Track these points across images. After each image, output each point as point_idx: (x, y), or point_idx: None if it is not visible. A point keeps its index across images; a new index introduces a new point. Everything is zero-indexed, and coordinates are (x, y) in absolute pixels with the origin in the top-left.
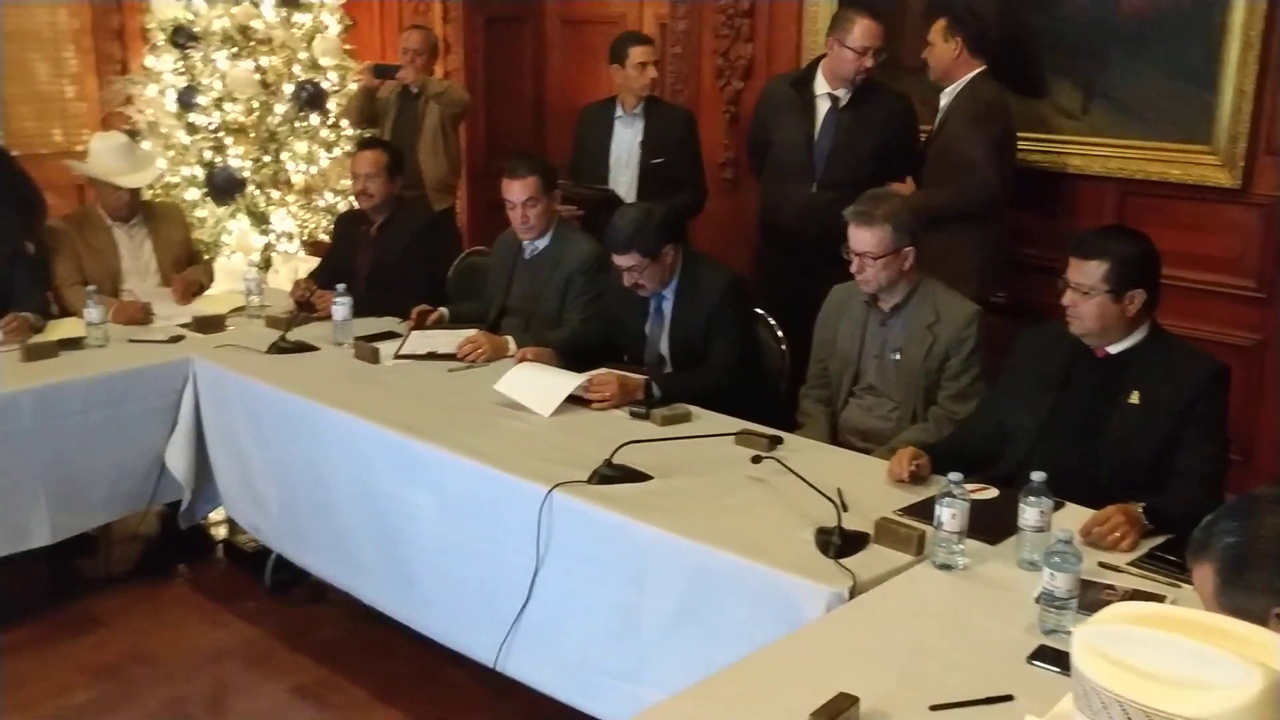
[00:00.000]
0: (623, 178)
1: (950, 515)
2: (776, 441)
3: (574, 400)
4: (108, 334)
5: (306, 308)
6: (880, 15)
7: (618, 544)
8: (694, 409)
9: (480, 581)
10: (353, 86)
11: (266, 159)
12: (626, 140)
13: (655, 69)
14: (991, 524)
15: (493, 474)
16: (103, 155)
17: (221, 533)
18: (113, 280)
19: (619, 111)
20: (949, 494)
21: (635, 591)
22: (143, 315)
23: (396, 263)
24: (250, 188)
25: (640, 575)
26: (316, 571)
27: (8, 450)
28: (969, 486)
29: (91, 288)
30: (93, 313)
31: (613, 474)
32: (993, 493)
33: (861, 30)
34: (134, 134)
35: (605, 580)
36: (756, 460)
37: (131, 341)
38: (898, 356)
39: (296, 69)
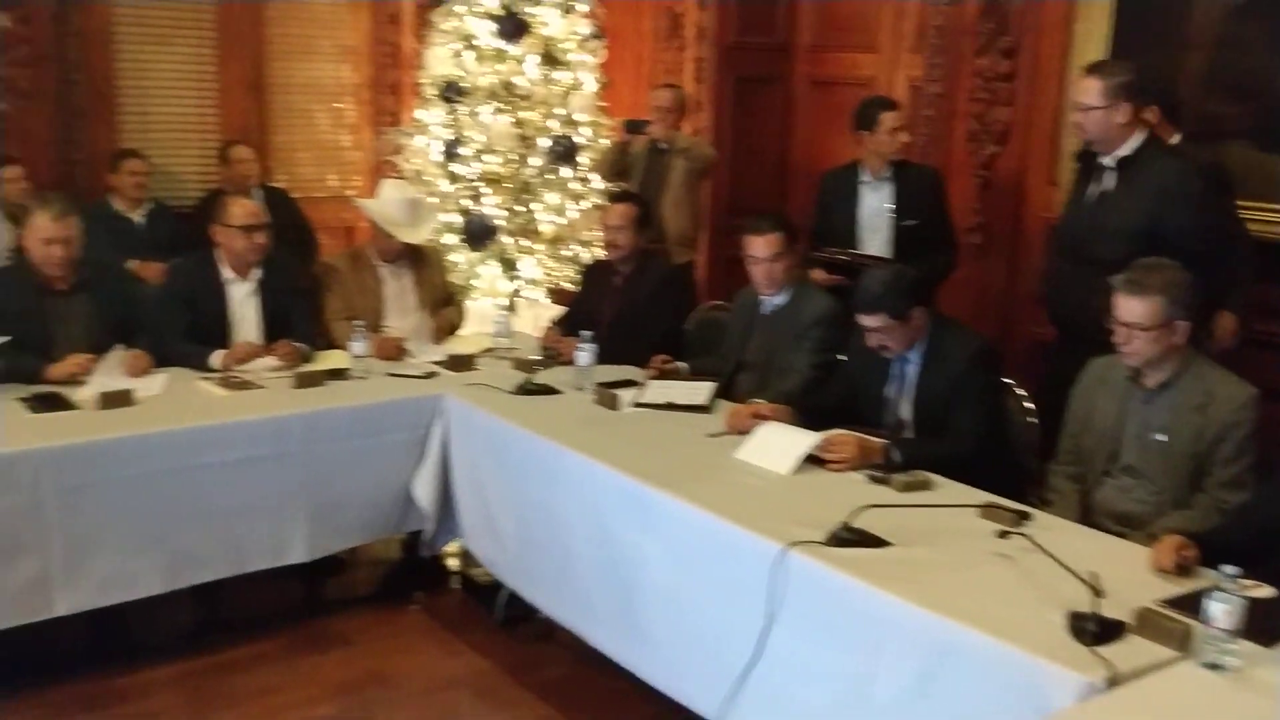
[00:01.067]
0: (874, 241)
1: (1223, 611)
2: (1024, 517)
3: (810, 460)
4: (369, 367)
5: (551, 352)
6: None
7: (853, 610)
8: (935, 477)
9: (708, 634)
10: (604, 142)
11: (519, 209)
12: (874, 204)
13: (906, 133)
14: (1267, 625)
15: (726, 527)
16: (389, 204)
17: (456, 564)
18: (376, 317)
19: (864, 176)
20: (1222, 588)
21: (869, 660)
22: (399, 352)
23: (640, 313)
24: (502, 235)
25: (876, 644)
26: (546, 610)
27: (277, 469)
28: (1243, 582)
29: (359, 323)
30: (358, 346)
31: (850, 537)
32: (1269, 591)
33: None
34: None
35: (838, 645)
36: (1003, 535)
37: (390, 375)
38: (1163, 438)
39: (553, 124)
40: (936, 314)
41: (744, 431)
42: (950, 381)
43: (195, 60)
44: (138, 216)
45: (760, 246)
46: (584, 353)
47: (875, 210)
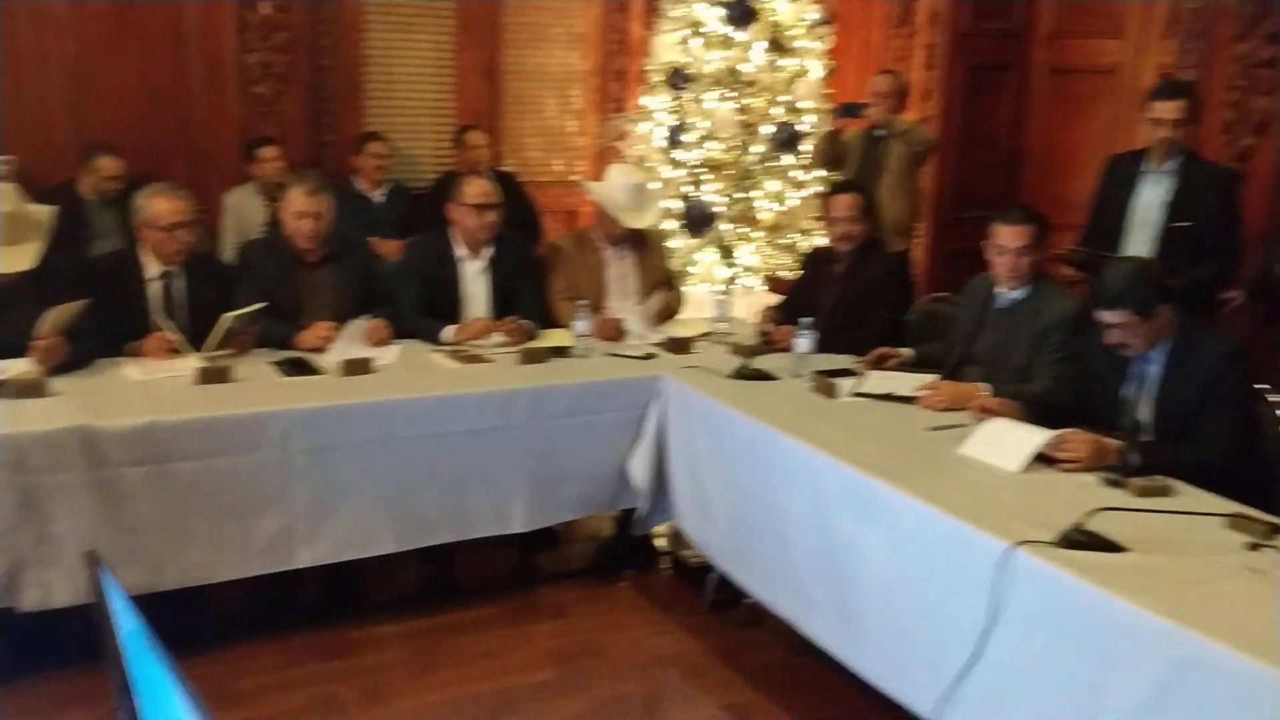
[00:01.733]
0: (1140, 238)
1: None
2: (1277, 530)
3: (1039, 458)
4: (591, 346)
5: (768, 338)
6: None
7: (1085, 615)
8: (1176, 483)
9: (925, 630)
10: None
11: (739, 196)
12: (1150, 197)
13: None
14: None
15: (949, 522)
16: (616, 188)
17: (666, 544)
18: (598, 298)
19: (1147, 165)
20: None
21: (1100, 669)
22: (619, 333)
23: (861, 302)
24: (721, 222)
25: (1109, 653)
26: (757, 595)
27: (502, 441)
28: None
29: (583, 303)
30: (581, 325)
31: (1083, 540)
32: None
33: None
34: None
35: (1065, 651)
36: (1253, 548)
37: (610, 355)
38: None
39: (776, 111)
40: (1185, 313)
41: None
42: (1197, 384)
43: (435, 48)
44: (377, 196)
45: (1009, 236)
46: (803, 340)
47: (1149, 204)
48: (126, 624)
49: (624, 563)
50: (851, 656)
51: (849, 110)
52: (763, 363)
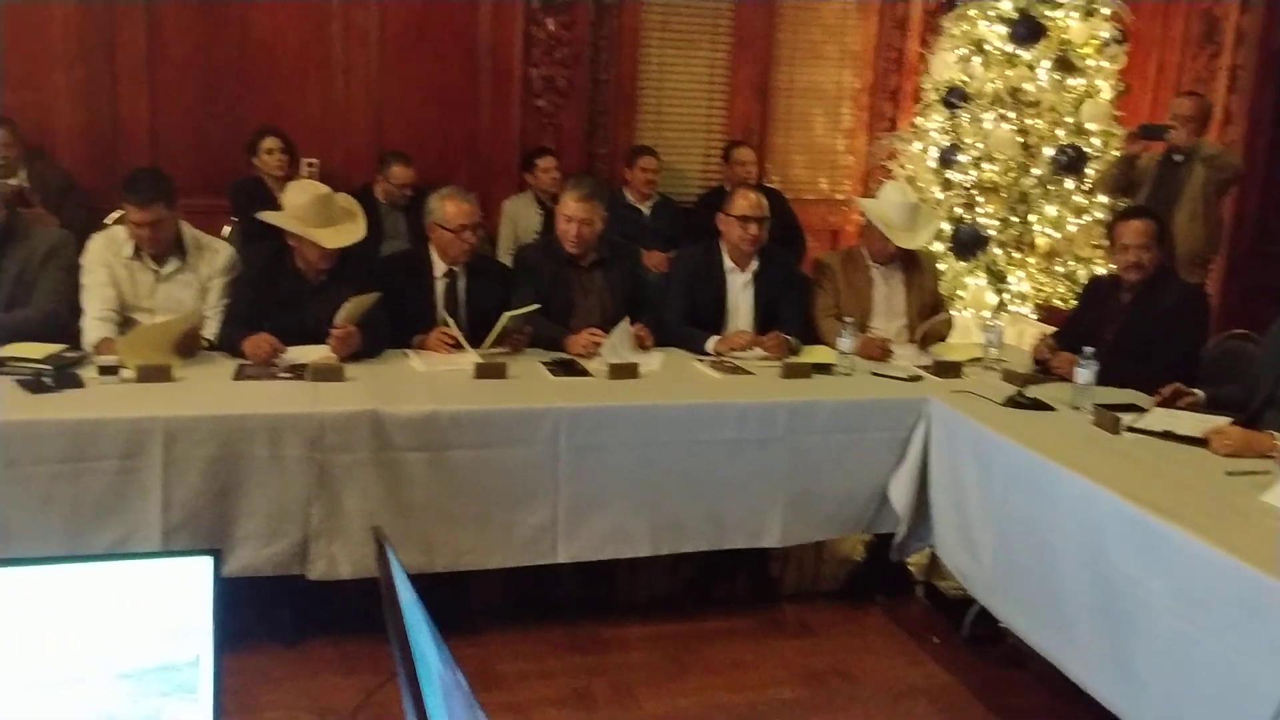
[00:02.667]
0: None
1: None
2: None
3: None
4: (854, 364)
5: (1043, 367)
6: None
7: None
8: None
9: (1217, 690)
10: (1115, 154)
11: (1014, 219)
12: None
13: None
14: None
15: (1251, 574)
16: (889, 206)
17: (922, 572)
18: (863, 316)
19: None
20: None
21: None
22: (884, 352)
23: (1149, 335)
24: (993, 246)
25: None
26: (1021, 633)
27: (761, 453)
28: None
29: (849, 320)
30: (845, 343)
31: None
32: None
33: None
34: None
35: None
36: None
37: (874, 374)
38: None
39: (1060, 132)
40: None
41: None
42: None
43: (709, 64)
44: (645, 208)
45: None
46: (1084, 370)
47: None
48: (406, 598)
49: (875, 587)
50: (1126, 709)
51: (1152, 132)
52: (1038, 392)
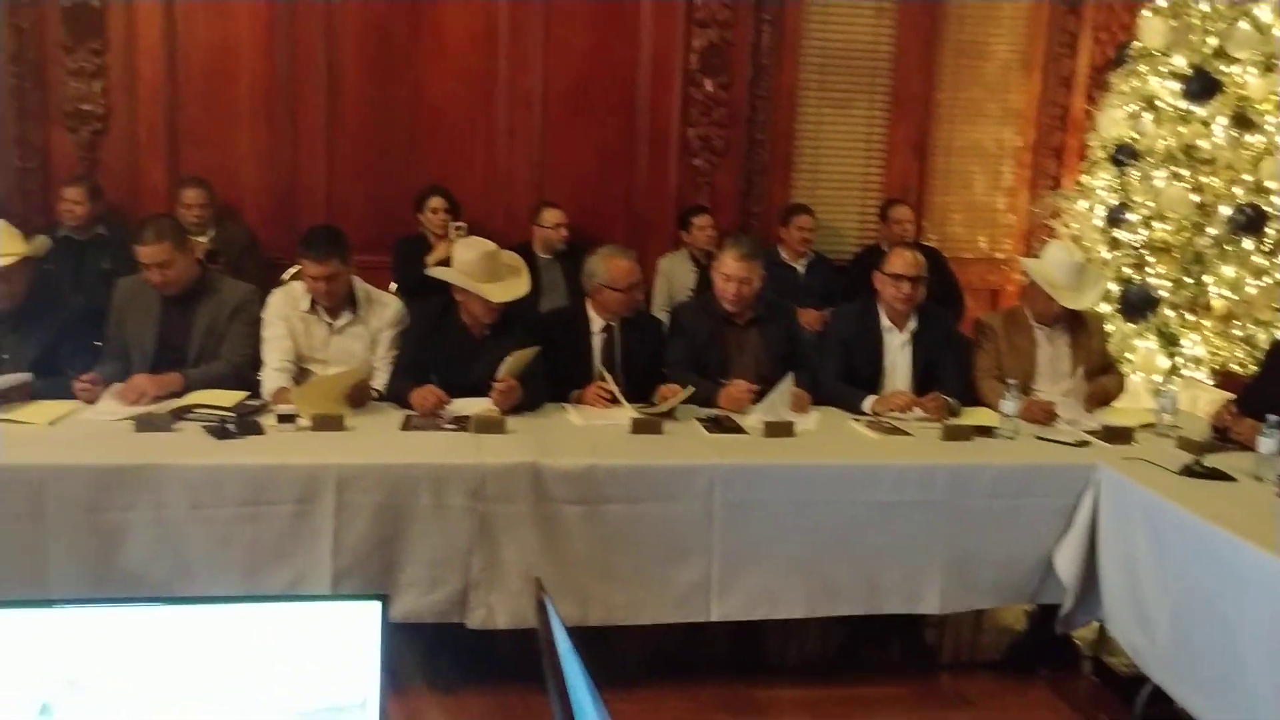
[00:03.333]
0: None
1: None
2: None
3: None
4: (1018, 427)
5: (1222, 435)
6: None
7: None
8: None
9: None
10: None
11: (1188, 280)
12: None
13: None
14: None
15: None
16: (1054, 266)
17: (1090, 646)
18: (1026, 378)
19: None
20: None
21: None
22: (1049, 416)
23: None
24: (1165, 308)
25: None
26: (1198, 716)
27: (919, 517)
28: None
29: (1012, 382)
30: (1009, 405)
31: None
32: None
33: None
34: None
35: None
36: None
37: (1038, 438)
38: None
39: (1237, 190)
40: None
41: None
42: None
43: (867, 122)
44: (800, 266)
45: None
46: (1268, 439)
47: None
48: (564, 650)
49: (1039, 660)
50: None
51: None
52: (1217, 460)
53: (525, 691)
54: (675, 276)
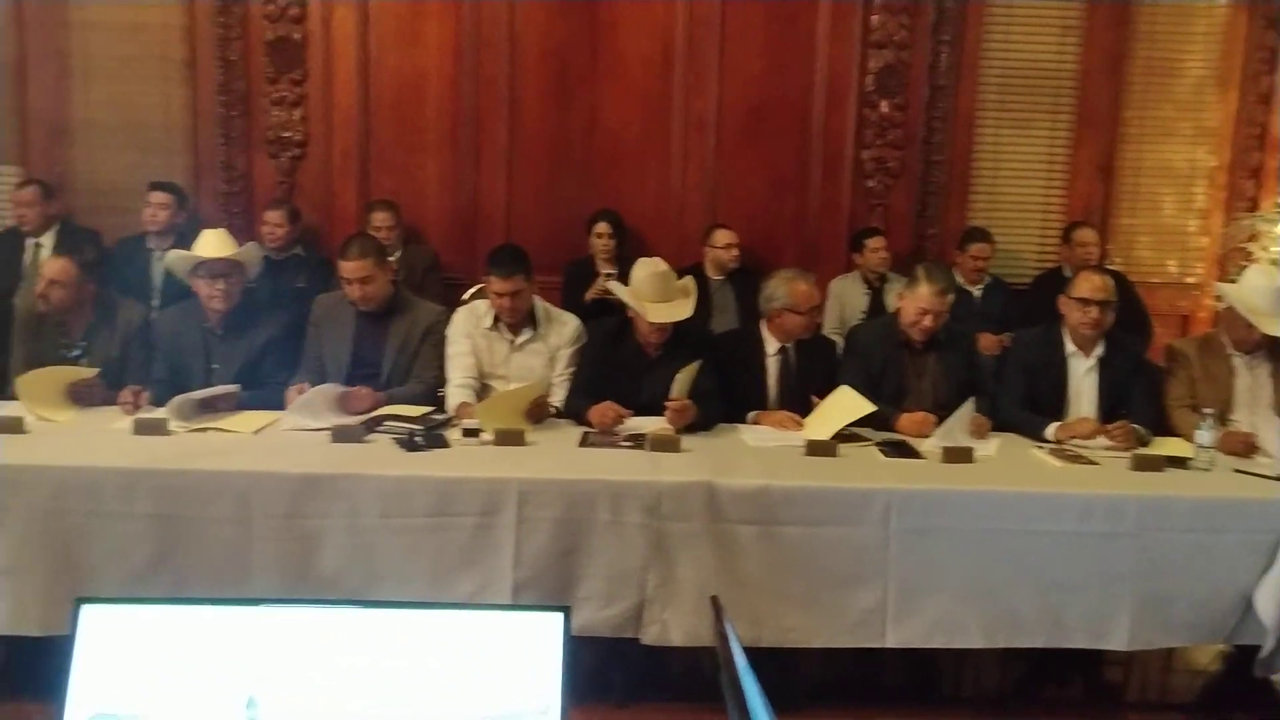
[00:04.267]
0: None
1: None
2: None
3: None
4: (1214, 459)
5: None
6: None
7: None
8: None
9: None
10: None
11: None
12: None
13: None
14: None
15: None
16: (1254, 291)
17: None
18: (1222, 408)
19: None
20: None
21: None
22: (1249, 448)
23: None
24: None
25: None
26: None
27: (1106, 549)
28: None
29: (1210, 411)
30: (1205, 436)
31: None
32: None
33: None
34: None
35: None
36: None
37: (1237, 471)
38: None
39: None
40: None
41: None
42: None
43: (1049, 143)
44: (976, 291)
45: None
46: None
47: None
48: (742, 668)
49: (1234, 705)
50: None
51: None
52: None
53: (698, 709)
54: (847, 299)
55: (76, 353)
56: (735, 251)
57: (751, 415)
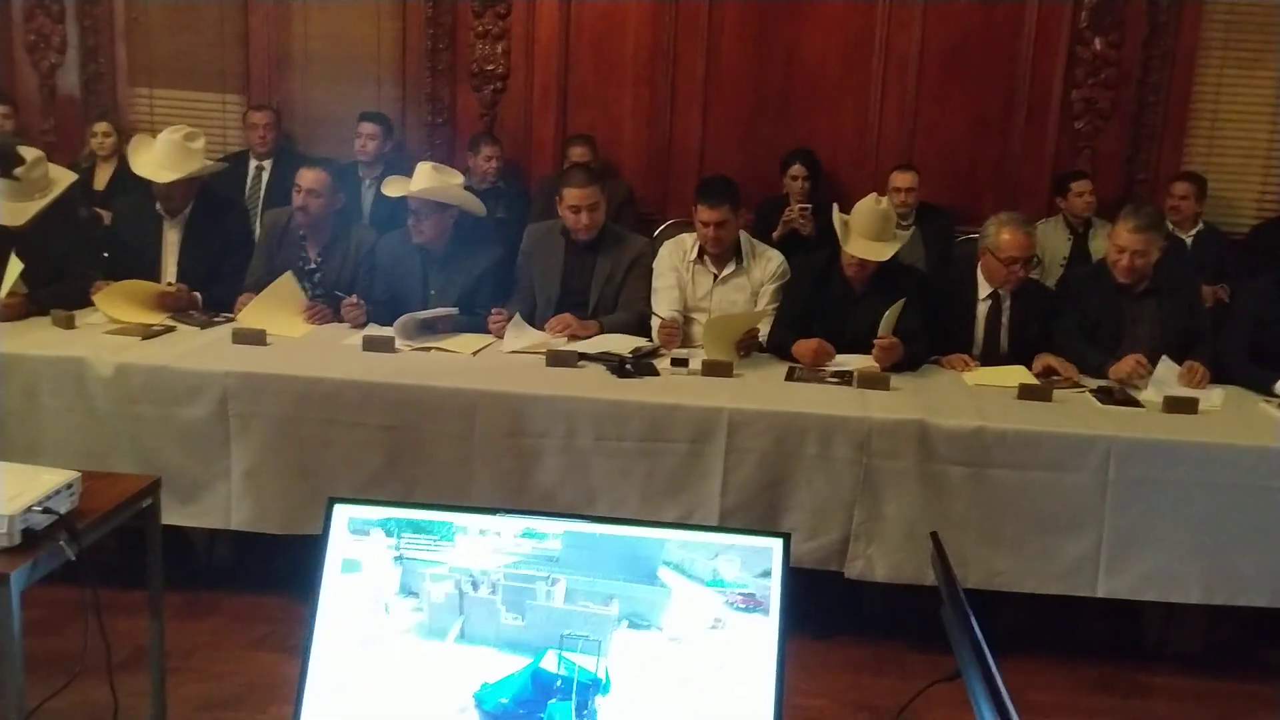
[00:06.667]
0: None
1: None
2: None
3: None
4: None
5: None
6: None
7: None
8: None
9: None
10: None
11: None
12: None
13: None
14: None
15: None
16: None
17: None
18: None
19: None
20: None
21: None
22: None
23: None
24: None
25: None
26: None
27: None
28: None
29: None
30: None
31: None
32: None
33: None
34: None
35: None
36: None
37: None
38: None
39: None
40: None
41: None
42: None
43: (1277, 85)
44: (1186, 238)
45: None
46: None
47: None
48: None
49: None
50: None
51: None
52: None
53: (896, 645)
54: (1049, 244)
55: (313, 267)
56: (910, 196)
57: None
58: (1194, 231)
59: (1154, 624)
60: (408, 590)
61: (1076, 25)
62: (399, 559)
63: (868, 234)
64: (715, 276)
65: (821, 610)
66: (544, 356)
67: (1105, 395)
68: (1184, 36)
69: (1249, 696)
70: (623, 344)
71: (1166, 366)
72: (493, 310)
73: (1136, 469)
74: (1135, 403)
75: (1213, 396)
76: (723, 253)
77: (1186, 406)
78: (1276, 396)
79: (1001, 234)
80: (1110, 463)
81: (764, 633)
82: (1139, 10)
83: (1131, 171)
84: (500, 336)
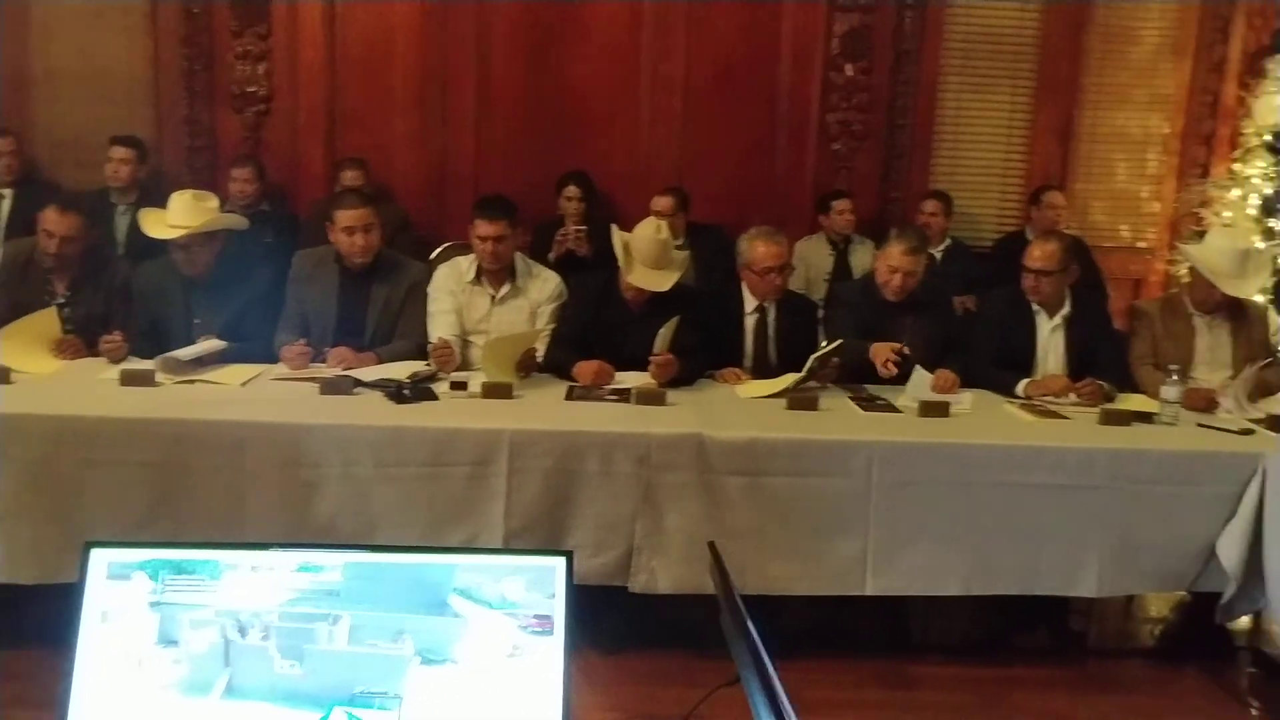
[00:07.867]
0: None
1: None
2: None
3: None
4: (1178, 414)
5: None
6: None
7: None
8: None
9: None
10: None
11: None
12: None
13: None
14: None
15: None
16: (1216, 252)
17: (1244, 637)
18: (1183, 366)
19: None
20: None
21: None
22: (1210, 404)
23: None
24: None
25: None
26: None
27: (1078, 501)
28: None
29: (1175, 368)
30: (1171, 392)
31: None
32: None
33: None
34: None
35: None
36: None
37: (1200, 426)
38: None
39: None
40: None
41: None
42: None
43: (1010, 107)
44: (936, 252)
45: None
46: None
47: None
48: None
49: (1191, 649)
50: None
51: None
52: None
53: (685, 656)
54: (812, 260)
55: (61, 302)
56: (673, 216)
57: (720, 373)
58: (943, 246)
59: (919, 618)
60: (166, 639)
61: (829, 53)
62: (155, 605)
63: (648, 262)
64: (493, 297)
65: (611, 625)
66: (318, 385)
67: (866, 402)
68: (926, 64)
69: (1007, 679)
70: (400, 370)
71: (920, 374)
72: (299, 341)
73: (897, 471)
74: (893, 409)
75: (963, 400)
76: (499, 271)
77: (939, 410)
78: (1019, 398)
79: (755, 248)
80: (873, 467)
81: (553, 654)
82: (885, 38)
83: (886, 190)
84: (299, 368)
